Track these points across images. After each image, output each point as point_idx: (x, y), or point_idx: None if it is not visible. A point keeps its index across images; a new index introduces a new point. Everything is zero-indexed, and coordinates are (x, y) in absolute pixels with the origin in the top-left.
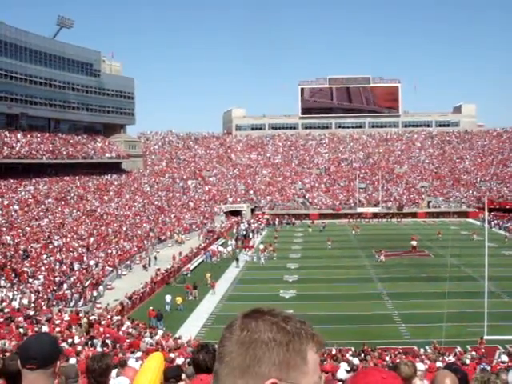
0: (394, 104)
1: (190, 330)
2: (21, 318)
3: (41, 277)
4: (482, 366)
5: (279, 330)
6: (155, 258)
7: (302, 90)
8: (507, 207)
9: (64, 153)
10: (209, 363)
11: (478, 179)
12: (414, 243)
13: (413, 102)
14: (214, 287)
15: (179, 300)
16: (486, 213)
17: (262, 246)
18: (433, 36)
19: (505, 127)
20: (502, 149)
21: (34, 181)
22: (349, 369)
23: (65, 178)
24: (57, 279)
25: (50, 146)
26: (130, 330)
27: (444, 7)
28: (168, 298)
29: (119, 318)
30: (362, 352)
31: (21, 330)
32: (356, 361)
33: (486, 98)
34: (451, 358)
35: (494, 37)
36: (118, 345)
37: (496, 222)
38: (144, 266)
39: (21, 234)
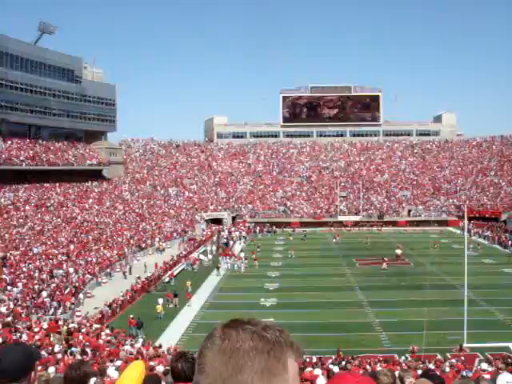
0: (374, 113)
1: (171, 338)
2: None
3: (20, 284)
4: (463, 373)
5: (260, 339)
6: (145, 265)
7: (284, 98)
8: (486, 216)
9: (44, 159)
10: (187, 372)
11: (458, 188)
12: (398, 252)
13: (393, 111)
14: (189, 298)
15: (159, 308)
16: (466, 221)
17: (242, 254)
18: (413, 45)
19: (484, 136)
20: (482, 158)
21: (13, 187)
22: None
23: (45, 184)
24: (36, 287)
25: (31, 152)
26: (110, 339)
27: (425, 17)
28: (160, 301)
29: (99, 326)
30: (341, 360)
31: None
32: (336, 369)
33: (465, 108)
34: (431, 366)
35: (475, 46)
36: (97, 353)
37: (476, 230)
38: (124, 274)
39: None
